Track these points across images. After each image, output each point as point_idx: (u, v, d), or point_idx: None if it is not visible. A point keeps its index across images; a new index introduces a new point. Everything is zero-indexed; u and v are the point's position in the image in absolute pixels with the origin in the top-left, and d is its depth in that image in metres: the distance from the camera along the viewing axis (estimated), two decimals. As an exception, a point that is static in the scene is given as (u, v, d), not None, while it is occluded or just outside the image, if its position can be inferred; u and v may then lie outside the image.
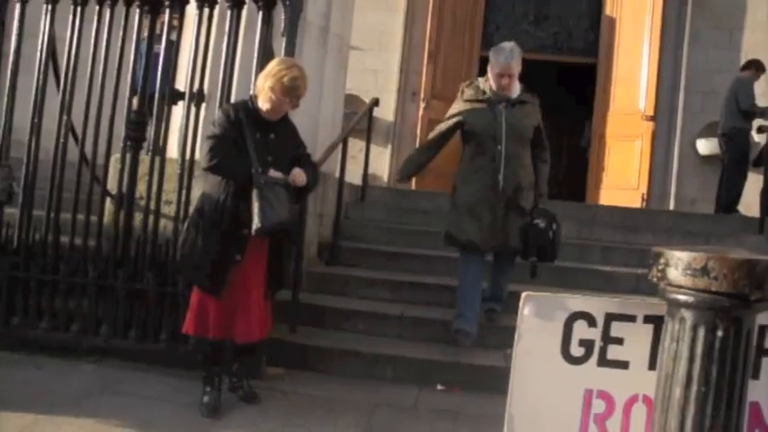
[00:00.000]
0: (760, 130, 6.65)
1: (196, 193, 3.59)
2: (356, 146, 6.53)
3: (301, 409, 3.44)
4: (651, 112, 8.06)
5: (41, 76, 4.06)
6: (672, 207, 8.11)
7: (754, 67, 6.89)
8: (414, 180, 4.67)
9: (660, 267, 1.35)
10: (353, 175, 6.39)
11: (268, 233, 3.16)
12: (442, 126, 4.30)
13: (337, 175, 5.29)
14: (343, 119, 6.06)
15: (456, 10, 8.49)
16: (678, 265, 1.31)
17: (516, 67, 4.06)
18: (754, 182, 6.77)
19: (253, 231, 3.11)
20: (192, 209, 3.45)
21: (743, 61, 7.26)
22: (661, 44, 8.05)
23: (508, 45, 4.09)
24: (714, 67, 7.96)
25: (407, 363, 3.99)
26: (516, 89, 4.14)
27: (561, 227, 4.12)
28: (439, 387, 3.85)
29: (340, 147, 5.04)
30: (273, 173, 3.19)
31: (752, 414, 1.50)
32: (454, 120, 4.22)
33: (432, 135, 4.41)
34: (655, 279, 1.38)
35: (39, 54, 4.06)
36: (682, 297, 1.34)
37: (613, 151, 8.31)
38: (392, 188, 7.29)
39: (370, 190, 6.44)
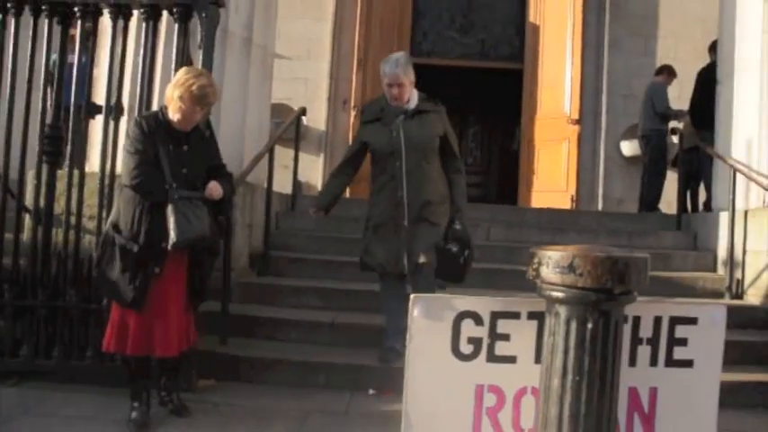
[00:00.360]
0: (673, 132, 6.99)
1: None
2: (288, 155, 6.54)
3: (233, 419, 3.43)
4: (576, 116, 8.35)
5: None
6: (600, 207, 8.41)
7: (666, 71, 7.25)
8: (348, 189, 4.56)
9: (535, 266, 1.43)
10: (286, 185, 6.40)
11: (184, 247, 3.16)
12: (347, 151, 4.23)
13: (265, 185, 5.28)
14: (273, 128, 6.07)
15: (383, 18, 8.60)
16: (549, 263, 1.40)
17: (405, 76, 3.88)
18: (674, 181, 7.08)
19: (169, 246, 3.11)
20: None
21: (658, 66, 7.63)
22: (583, 50, 8.37)
23: (396, 54, 4.00)
24: (633, 71, 8.33)
25: (340, 369, 4.02)
26: (413, 99, 3.96)
27: (474, 251, 3.96)
28: (371, 392, 3.88)
29: (267, 156, 5.04)
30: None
31: (631, 399, 1.61)
32: (357, 142, 4.14)
33: (340, 161, 4.33)
34: (531, 277, 1.46)
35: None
36: (554, 293, 1.43)
37: (542, 154, 8.55)
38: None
39: (302, 199, 6.44)
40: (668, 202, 7.14)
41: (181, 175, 3.19)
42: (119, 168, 3.67)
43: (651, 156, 7.19)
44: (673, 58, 7.75)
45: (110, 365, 3.58)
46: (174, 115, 3.23)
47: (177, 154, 3.22)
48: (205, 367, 3.82)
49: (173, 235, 3.08)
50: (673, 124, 7.14)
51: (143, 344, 3.18)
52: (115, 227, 3.20)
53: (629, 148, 8.36)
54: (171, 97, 3.20)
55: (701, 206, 7.03)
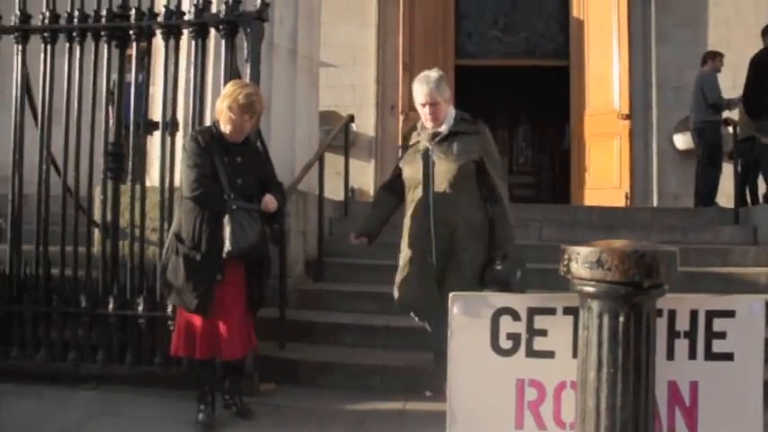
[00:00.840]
0: (726, 122, 6.78)
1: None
2: (339, 162, 6.65)
3: (293, 421, 3.55)
4: (626, 111, 8.20)
5: (18, 114, 4.20)
6: (655, 203, 8.22)
7: (711, 58, 7.02)
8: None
9: (565, 263, 1.49)
10: (339, 192, 6.51)
11: (237, 256, 3.30)
12: (389, 176, 4.05)
13: (317, 192, 5.38)
14: (322, 136, 6.19)
15: (426, 21, 8.64)
16: (578, 259, 1.45)
17: (439, 94, 3.58)
18: (730, 173, 6.87)
19: (224, 254, 3.25)
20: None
21: (711, 56, 7.42)
22: (629, 43, 8.21)
23: (428, 72, 3.69)
24: (683, 62, 8.09)
25: (395, 372, 4.07)
26: (449, 119, 3.65)
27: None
28: (427, 393, 3.88)
29: (317, 164, 5.15)
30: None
31: (671, 392, 1.63)
32: (396, 167, 3.93)
33: (379, 187, 4.19)
34: (563, 273, 1.52)
35: (14, 92, 4.21)
36: (585, 288, 1.48)
37: (593, 151, 8.43)
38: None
39: (354, 205, 6.52)
40: (727, 195, 6.89)
41: (237, 186, 3.33)
42: (177, 181, 3.83)
43: (704, 148, 6.99)
44: (726, 47, 7.51)
45: (176, 370, 3.77)
46: (225, 127, 3.37)
47: (232, 165, 3.37)
48: (265, 371, 3.94)
49: (228, 244, 3.22)
50: (726, 114, 6.94)
51: (210, 347, 3.34)
52: (177, 237, 3.37)
53: (682, 141, 8.15)
54: (221, 109, 3.36)
55: (760, 198, 6.82)
